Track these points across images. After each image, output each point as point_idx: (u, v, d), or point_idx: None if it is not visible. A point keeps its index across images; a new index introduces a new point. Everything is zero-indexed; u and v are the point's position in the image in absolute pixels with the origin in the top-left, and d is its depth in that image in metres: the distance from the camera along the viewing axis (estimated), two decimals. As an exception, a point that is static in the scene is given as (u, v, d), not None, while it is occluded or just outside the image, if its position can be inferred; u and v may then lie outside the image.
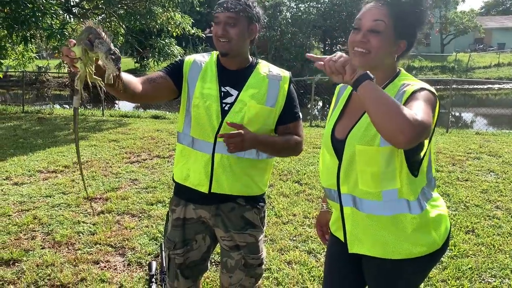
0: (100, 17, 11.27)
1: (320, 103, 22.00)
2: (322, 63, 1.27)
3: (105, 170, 5.50)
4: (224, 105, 1.79)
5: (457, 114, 17.17)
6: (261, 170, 1.92)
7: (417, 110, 1.22)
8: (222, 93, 1.81)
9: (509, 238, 3.49)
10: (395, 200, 1.40)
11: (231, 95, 1.81)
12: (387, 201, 1.41)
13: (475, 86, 24.33)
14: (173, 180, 1.97)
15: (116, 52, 1.35)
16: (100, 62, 1.39)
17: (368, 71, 1.22)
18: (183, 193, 1.92)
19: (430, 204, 1.44)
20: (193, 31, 11.46)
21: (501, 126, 13.31)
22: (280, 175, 5.22)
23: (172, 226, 1.95)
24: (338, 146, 1.49)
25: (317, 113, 18.24)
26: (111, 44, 1.36)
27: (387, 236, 1.42)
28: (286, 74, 1.90)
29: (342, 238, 1.56)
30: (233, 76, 1.84)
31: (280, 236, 3.54)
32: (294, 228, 3.68)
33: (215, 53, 1.92)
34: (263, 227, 1.96)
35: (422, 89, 1.34)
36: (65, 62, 1.39)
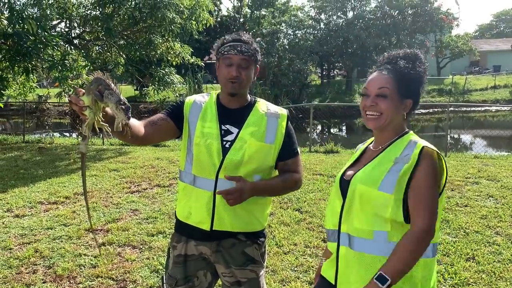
0: (98, 48, 11.46)
1: (319, 127, 22.14)
2: None
3: (105, 200, 5.53)
4: (224, 142, 1.87)
5: (455, 136, 17.28)
6: (262, 205, 1.97)
7: (419, 214, 1.44)
8: (223, 131, 1.88)
9: (510, 265, 3.50)
10: (384, 242, 1.49)
11: (232, 133, 1.88)
12: (378, 242, 1.51)
13: (473, 109, 24.52)
14: (175, 217, 2.03)
15: (125, 102, 1.44)
16: (109, 111, 1.48)
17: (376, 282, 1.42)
18: (184, 230, 1.97)
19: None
20: (192, 60, 11.65)
21: (499, 148, 13.37)
22: (280, 203, 5.25)
23: (174, 262, 1.99)
24: (344, 186, 1.63)
25: (316, 137, 18.34)
26: (120, 94, 1.45)
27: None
28: (283, 112, 1.99)
29: (332, 279, 1.64)
30: (233, 115, 1.92)
31: (281, 266, 3.55)
32: (295, 258, 3.69)
33: (214, 93, 2.01)
34: (264, 262, 2.00)
35: (425, 148, 1.49)
36: (67, 95, 1.48)
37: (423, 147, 1.49)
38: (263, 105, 1.97)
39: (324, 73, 36.04)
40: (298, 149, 2.00)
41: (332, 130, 21.57)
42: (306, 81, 27.94)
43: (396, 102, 1.57)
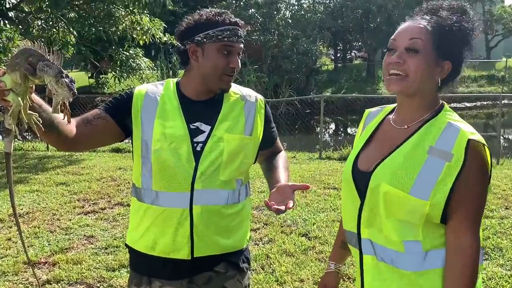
0: (41, 23, 11.43)
1: (332, 126, 22.21)
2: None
3: (51, 224, 5.52)
4: (195, 144, 1.89)
5: (510, 137, 17.38)
6: (240, 214, 2.02)
7: (466, 233, 1.47)
8: (191, 130, 1.91)
9: None
10: (419, 253, 1.52)
11: (203, 132, 1.92)
12: (411, 254, 1.53)
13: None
14: (131, 250, 2.01)
15: (68, 74, 1.39)
16: (49, 88, 1.40)
17: None
18: (145, 267, 1.97)
19: None
20: (165, 38, 11.66)
21: None
22: (281, 227, 5.26)
23: None
24: (360, 180, 1.63)
25: (328, 139, 18.40)
26: (61, 66, 1.40)
27: None
28: (259, 96, 2.11)
29: None
30: (201, 108, 1.95)
31: (283, 309, 3.56)
32: (302, 299, 3.71)
33: (172, 82, 2.03)
34: None
35: (472, 141, 1.47)
36: None
37: (469, 140, 1.47)
38: (233, 89, 2.04)
39: (338, 55, 36.24)
40: (275, 128, 2.18)
41: (349, 130, 21.64)
42: (315, 66, 28.08)
43: (430, 61, 1.54)
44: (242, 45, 1.93)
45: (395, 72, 1.54)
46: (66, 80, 1.36)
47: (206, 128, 1.92)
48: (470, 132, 1.50)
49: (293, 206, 1.74)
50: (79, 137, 1.80)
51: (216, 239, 1.91)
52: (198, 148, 1.88)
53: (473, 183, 1.47)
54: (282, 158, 2.17)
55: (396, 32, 1.59)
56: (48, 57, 1.40)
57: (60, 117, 1.54)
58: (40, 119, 1.47)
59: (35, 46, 1.42)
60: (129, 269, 2.11)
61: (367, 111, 1.85)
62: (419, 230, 1.51)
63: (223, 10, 1.95)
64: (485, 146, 1.49)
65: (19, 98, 1.40)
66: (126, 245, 2.04)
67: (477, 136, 1.48)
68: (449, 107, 1.64)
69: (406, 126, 1.61)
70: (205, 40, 1.87)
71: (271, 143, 2.14)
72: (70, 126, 1.72)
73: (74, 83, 1.39)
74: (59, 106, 1.41)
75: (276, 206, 1.69)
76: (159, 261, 1.91)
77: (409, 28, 1.56)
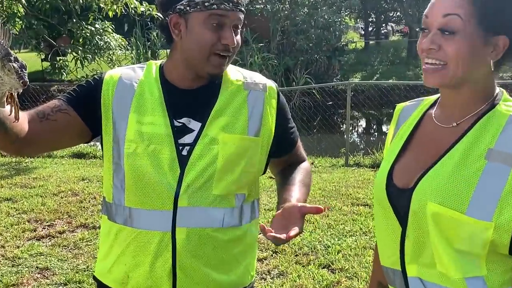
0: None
1: (362, 124, 22.22)
2: None
3: (-7, 252, 5.53)
4: (181, 147, 1.86)
5: None
6: (242, 241, 1.99)
7: None
8: (176, 128, 1.88)
9: None
10: None
11: (192, 131, 1.89)
12: None
13: None
14: (99, 284, 2.01)
15: (17, 58, 1.38)
16: None
17: None
18: None
19: None
20: (142, 9, 11.67)
21: None
22: (296, 256, 5.26)
23: None
24: (398, 200, 1.58)
25: (357, 139, 18.41)
26: (8, 48, 1.40)
27: None
28: (271, 83, 2.03)
29: None
30: (190, 100, 1.92)
31: None
32: None
33: (154, 65, 2.01)
34: None
35: None
36: None
37: None
38: (234, 74, 1.99)
39: (370, 29, 36.28)
40: (296, 129, 2.10)
41: (383, 128, 21.61)
42: (339, 44, 28.10)
43: (475, 41, 1.48)
44: (240, 15, 1.85)
45: (430, 62, 1.51)
46: (15, 65, 1.35)
47: (195, 125, 1.89)
48: None
49: (297, 234, 1.65)
50: (33, 136, 1.73)
51: (208, 274, 1.88)
52: (184, 152, 1.86)
53: None
54: (302, 170, 2.10)
55: (429, 5, 1.54)
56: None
57: (6, 111, 1.51)
58: None
59: None
60: None
61: (399, 106, 1.81)
62: (483, 262, 1.47)
63: None
64: None
65: None
66: (94, 278, 2.03)
67: None
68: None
69: (454, 124, 1.57)
70: (188, 8, 1.81)
71: (288, 149, 2.06)
72: (21, 122, 1.63)
73: (25, 69, 1.37)
74: (5, 98, 1.41)
75: (273, 234, 1.61)
76: None
77: (440, 1, 1.51)
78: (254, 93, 1.96)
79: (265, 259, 5.18)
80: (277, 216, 1.78)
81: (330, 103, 18.03)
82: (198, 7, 1.79)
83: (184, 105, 1.91)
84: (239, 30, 1.87)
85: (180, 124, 1.89)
